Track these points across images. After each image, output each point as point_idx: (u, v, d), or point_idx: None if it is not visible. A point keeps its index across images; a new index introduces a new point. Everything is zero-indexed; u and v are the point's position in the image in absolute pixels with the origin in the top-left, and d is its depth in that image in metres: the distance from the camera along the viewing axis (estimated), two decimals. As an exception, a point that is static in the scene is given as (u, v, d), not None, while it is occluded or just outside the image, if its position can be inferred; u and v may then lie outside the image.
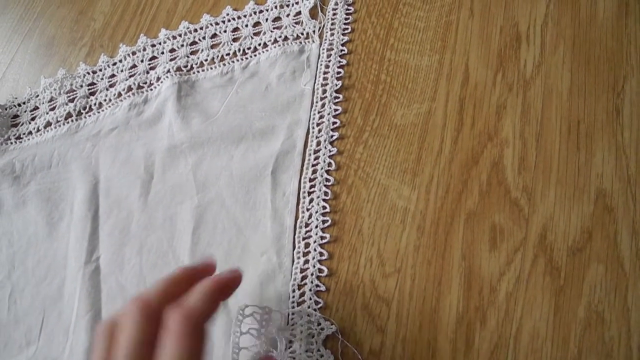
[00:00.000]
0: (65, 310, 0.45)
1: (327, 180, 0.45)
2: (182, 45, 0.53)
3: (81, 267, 0.46)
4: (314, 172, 0.45)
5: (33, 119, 0.54)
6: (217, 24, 0.53)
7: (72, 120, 0.52)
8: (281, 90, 0.49)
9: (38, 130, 0.53)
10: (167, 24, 0.55)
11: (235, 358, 0.37)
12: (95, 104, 0.53)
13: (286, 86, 0.49)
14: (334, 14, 0.51)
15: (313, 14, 0.52)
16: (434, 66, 0.48)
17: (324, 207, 0.44)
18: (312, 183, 0.45)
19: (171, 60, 0.52)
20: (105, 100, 0.53)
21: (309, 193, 0.45)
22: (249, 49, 0.52)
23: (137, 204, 0.47)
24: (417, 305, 0.41)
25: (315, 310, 0.41)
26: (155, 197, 0.47)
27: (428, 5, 0.50)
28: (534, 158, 0.43)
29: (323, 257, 0.43)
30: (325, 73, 0.49)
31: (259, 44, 0.52)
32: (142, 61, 0.53)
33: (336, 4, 0.52)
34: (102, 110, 0.52)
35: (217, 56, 0.52)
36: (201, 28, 0.54)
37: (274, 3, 0.53)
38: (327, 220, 0.44)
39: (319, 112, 0.47)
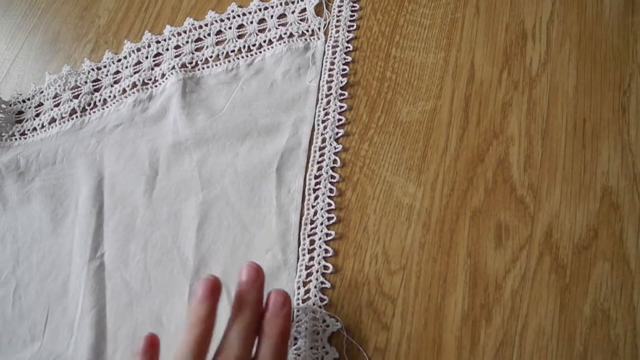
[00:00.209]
0: (69, 306, 0.45)
1: (333, 177, 0.45)
2: (187, 42, 0.53)
3: (86, 263, 0.46)
4: (319, 169, 0.45)
5: (37, 115, 0.54)
6: (222, 20, 0.53)
7: (76, 117, 0.52)
8: (286, 87, 0.49)
9: (42, 126, 0.53)
10: (172, 21, 0.55)
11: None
12: (99, 101, 0.53)
13: (291, 83, 0.49)
14: (339, 11, 0.51)
15: (318, 11, 0.52)
16: (439, 63, 0.48)
17: (329, 204, 0.44)
18: (318, 180, 0.45)
19: (176, 56, 0.52)
20: (109, 96, 0.53)
21: (314, 190, 0.45)
22: (254, 45, 0.52)
23: (142, 200, 0.47)
24: (423, 303, 0.40)
25: (320, 307, 0.41)
26: (160, 193, 0.47)
27: (433, 3, 0.50)
28: (540, 156, 0.43)
29: (328, 254, 0.43)
30: (330, 70, 0.49)
31: (264, 41, 0.52)
32: (146, 58, 0.53)
33: (341, 1, 0.51)
34: (107, 107, 0.52)
35: (222, 53, 0.52)
36: (206, 25, 0.53)
37: (279, 0, 0.53)
38: (332, 218, 0.44)
39: (324, 109, 0.47)
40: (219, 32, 0.53)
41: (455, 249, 0.42)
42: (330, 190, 0.45)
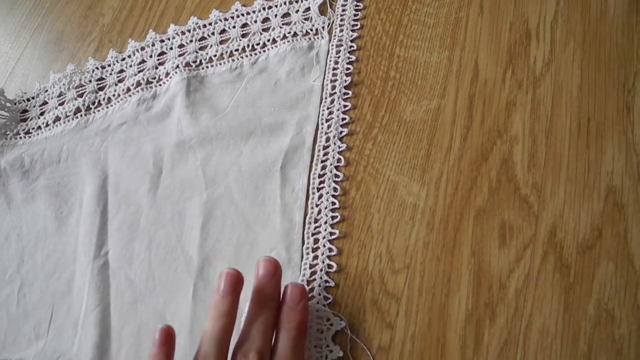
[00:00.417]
0: (74, 304, 0.45)
1: (337, 176, 0.45)
2: (191, 41, 0.53)
3: (90, 261, 0.46)
4: (323, 168, 0.45)
5: (42, 113, 0.54)
6: (226, 19, 0.53)
7: (81, 115, 0.52)
8: (290, 86, 0.49)
9: (47, 125, 0.53)
10: (176, 20, 0.55)
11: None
12: (104, 99, 0.53)
13: (295, 82, 0.49)
14: (343, 10, 0.51)
15: (322, 10, 0.52)
16: (443, 63, 0.48)
17: (333, 203, 0.44)
18: (322, 179, 0.45)
19: (180, 55, 0.52)
20: (114, 95, 0.53)
21: (318, 189, 0.45)
22: (258, 44, 0.52)
23: (146, 199, 0.47)
24: (427, 302, 0.41)
25: (324, 305, 0.41)
26: (164, 192, 0.47)
27: (437, 2, 0.50)
28: (544, 155, 0.43)
29: (332, 253, 0.43)
30: (334, 69, 0.49)
31: (268, 40, 0.52)
32: (151, 56, 0.53)
33: (345, 0, 0.51)
34: (111, 105, 0.52)
35: (226, 52, 0.52)
36: (210, 24, 0.54)
37: (283, -1, 0.53)
38: (337, 216, 0.44)
39: (328, 108, 0.47)
40: (223, 31, 0.53)
41: (459, 248, 0.42)
42: (334, 189, 0.45)
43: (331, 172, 0.45)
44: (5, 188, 0.51)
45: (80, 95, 0.53)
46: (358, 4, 0.51)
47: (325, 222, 0.44)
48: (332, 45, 0.50)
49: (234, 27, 0.53)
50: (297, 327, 0.37)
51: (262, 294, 0.38)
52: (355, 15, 0.51)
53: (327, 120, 0.47)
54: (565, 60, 0.46)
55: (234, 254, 0.44)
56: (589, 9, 0.47)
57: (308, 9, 0.52)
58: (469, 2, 0.49)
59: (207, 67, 0.52)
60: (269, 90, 0.49)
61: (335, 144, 0.46)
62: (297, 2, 0.52)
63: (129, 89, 0.53)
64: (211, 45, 0.53)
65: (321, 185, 0.45)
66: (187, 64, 0.52)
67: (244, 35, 0.52)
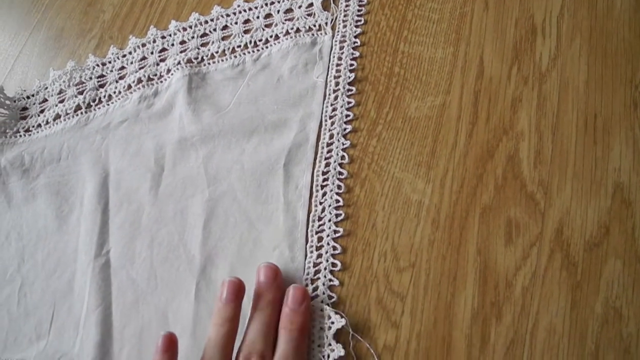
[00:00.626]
0: (75, 304, 0.45)
1: (340, 173, 0.45)
2: (193, 37, 0.52)
3: (91, 260, 0.45)
4: (327, 165, 0.45)
5: (42, 111, 0.53)
6: (227, 15, 0.53)
7: (81, 113, 0.52)
8: (293, 82, 0.48)
9: (47, 122, 0.52)
10: (177, 16, 0.55)
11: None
12: (104, 96, 0.52)
13: (298, 79, 0.49)
14: (347, 6, 0.51)
15: (325, 5, 0.51)
16: (448, 59, 0.47)
17: (337, 201, 0.44)
18: (325, 176, 0.45)
19: (181, 52, 0.52)
20: (114, 92, 0.52)
21: (322, 186, 0.44)
22: (260, 40, 0.51)
23: (148, 197, 0.47)
24: (432, 300, 0.40)
25: (327, 305, 0.41)
26: (166, 190, 0.47)
27: (442, -3, 0.50)
28: (550, 152, 0.43)
29: (336, 252, 0.42)
30: (337, 65, 0.48)
31: (271, 36, 0.51)
32: (152, 53, 0.53)
33: (348, -5, 0.51)
34: (112, 103, 0.52)
35: (228, 48, 0.51)
36: (212, 20, 0.53)
37: (286, -6, 0.52)
38: (341, 214, 0.43)
39: (331, 105, 0.47)
40: (225, 27, 0.53)
41: (465, 246, 0.41)
42: (338, 187, 0.44)
43: (335, 169, 0.45)
44: (5, 187, 0.50)
45: (81, 93, 0.53)
46: (361, -1, 0.51)
47: (329, 220, 0.43)
48: (336, 41, 0.49)
49: (236, 23, 0.52)
50: (299, 328, 0.38)
51: (263, 299, 0.39)
52: (358, 10, 0.50)
53: (330, 117, 0.46)
54: (572, 56, 0.45)
55: (237, 252, 0.44)
56: (595, 4, 0.47)
57: (311, 4, 0.51)
58: (474, -3, 0.49)
59: (209, 63, 0.51)
60: (271, 87, 0.49)
61: (339, 140, 0.46)
62: (299, -3, 0.52)
63: (130, 86, 0.52)
64: (213, 42, 0.52)
65: (325, 183, 0.44)
66: (189, 61, 0.51)
67: (246, 32, 0.52)
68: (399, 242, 0.42)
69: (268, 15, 0.52)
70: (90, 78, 0.53)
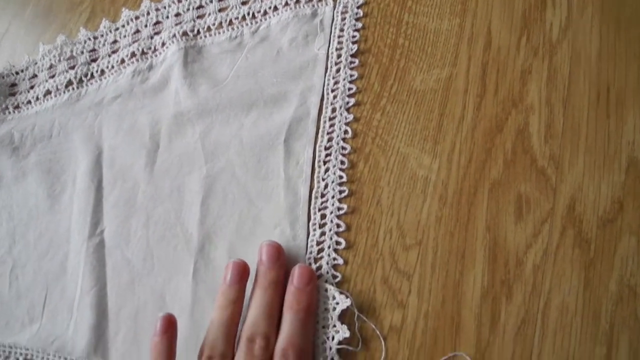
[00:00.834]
0: (68, 285, 0.43)
1: (344, 148, 0.43)
2: (188, 9, 0.50)
3: (85, 240, 0.44)
4: (330, 139, 0.43)
5: (32, 87, 0.51)
6: (224, -14, 0.51)
7: (73, 89, 0.50)
8: (293, 55, 0.47)
9: (37, 99, 0.50)
10: (172, -12, 0.53)
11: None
12: (97, 71, 0.50)
13: (298, 51, 0.47)
14: (348, -24, 0.49)
15: (326, -25, 0.49)
16: (454, 30, 0.45)
17: (341, 177, 0.42)
18: (328, 151, 0.43)
19: (177, 24, 0.50)
20: (107, 67, 0.50)
21: (325, 162, 0.43)
22: (258, 12, 0.49)
23: (143, 175, 0.45)
24: (440, 279, 0.39)
25: (332, 284, 0.39)
26: (162, 167, 0.45)
27: (447, -34, 0.48)
28: (562, 125, 0.41)
29: (340, 229, 0.41)
30: (339, 37, 0.46)
31: (269, 7, 0.49)
32: (146, 26, 0.51)
33: (350, -35, 0.49)
34: (105, 78, 0.50)
35: (226, 20, 0.49)
36: (208, -9, 0.51)
37: (285, -36, 0.50)
38: (344, 190, 0.42)
39: (333, 78, 0.45)
40: (222, -1, 0.50)
41: (474, 223, 0.40)
42: (342, 162, 0.43)
43: (338, 144, 0.43)
44: (-6, 165, 0.48)
45: (72, 68, 0.51)
46: (363, -32, 0.49)
47: (333, 197, 0.42)
48: (337, 12, 0.47)
49: (233, -6, 0.50)
50: (305, 309, 0.37)
51: (266, 278, 0.38)
52: (360, -20, 0.48)
53: (332, 91, 0.45)
54: (583, 26, 0.44)
55: (236, 230, 0.42)
56: (607, -29, 0.45)
57: (311, -26, 0.49)
58: (481, -34, 0.47)
59: (206, 36, 0.49)
60: (270, 60, 0.47)
61: (341, 114, 0.44)
62: (299, -33, 0.50)
63: (123, 60, 0.50)
64: (209, 14, 0.50)
65: (327, 158, 0.43)
66: (184, 34, 0.49)
67: (244, 3, 0.50)
68: (405, 219, 0.40)
69: (267, -14, 0.50)
70: (82, 52, 0.51)
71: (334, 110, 0.44)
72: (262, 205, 0.42)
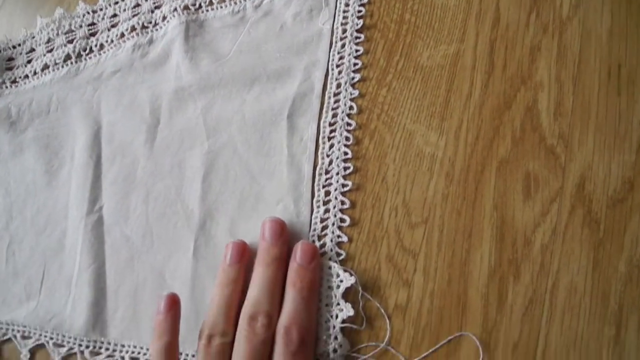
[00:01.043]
0: (66, 262, 0.43)
1: (349, 124, 0.42)
2: (190, -18, 0.49)
3: (83, 217, 0.43)
4: (334, 116, 0.42)
5: (29, 61, 0.50)
6: (227, -40, 0.50)
7: (71, 63, 0.49)
8: (297, 30, 0.45)
9: (35, 73, 0.49)
10: (173, -39, 0.51)
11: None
12: (96, 45, 0.49)
13: (302, 26, 0.46)
14: (354, -51, 0.47)
15: (331, -52, 0.48)
16: (462, 5, 0.44)
17: (345, 153, 0.41)
18: (332, 127, 0.42)
19: (178, -2, 0.49)
20: (107, 41, 0.49)
21: (329, 138, 0.42)
22: (262, -15, 0.48)
23: (143, 150, 0.44)
24: (446, 258, 0.38)
25: (335, 262, 0.38)
26: (162, 142, 0.44)
27: (455, -60, 0.47)
28: (571, 103, 0.40)
29: (345, 206, 0.40)
30: (344, 12, 0.45)
31: (273, -19, 0.48)
32: (146, 0, 0.49)
33: (356, -62, 0.48)
34: (104, 52, 0.49)
35: (228, -7, 0.48)
36: (210, -36, 0.50)
37: (289, -63, 0.49)
38: (349, 167, 0.41)
39: (338, 53, 0.44)
40: (224, -28, 0.49)
41: (481, 201, 0.39)
42: (346, 139, 0.42)
43: (342, 120, 0.42)
44: (-9, 140, 0.47)
45: (70, 42, 0.49)
46: (369, -59, 0.48)
47: (337, 174, 0.41)
48: (342, -15, 0.46)
49: (235, -33, 0.49)
50: (308, 286, 0.36)
51: (269, 255, 0.37)
52: (366, -46, 0.47)
53: (337, 66, 0.44)
54: (594, 3, 0.43)
55: (238, 207, 0.41)
56: (620, -54, 0.44)
57: (316, -53, 0.48)
58: (489, -60, 0.46)
59: (207, 10, 0.48)
60: (274, 35, 0.46)
61: (346, 90, 0.43)
62: (303, -61, 0.48)
63: (122, 34, 0.49)
64: (211, -13, 0.49)
65: (332, 134, 0.42)
66: (186, 7, 0.48)
67: (246, -24, 0.49)
68: (410, 197, 0.40)
69: (270, -41, 0.49)
70: (81, 26, 0.50)
71: (338, 85, 0.43)
72: (265, 182, 0.42)
